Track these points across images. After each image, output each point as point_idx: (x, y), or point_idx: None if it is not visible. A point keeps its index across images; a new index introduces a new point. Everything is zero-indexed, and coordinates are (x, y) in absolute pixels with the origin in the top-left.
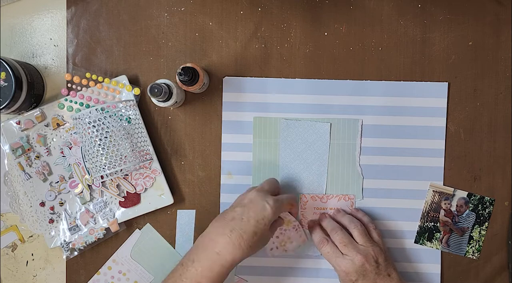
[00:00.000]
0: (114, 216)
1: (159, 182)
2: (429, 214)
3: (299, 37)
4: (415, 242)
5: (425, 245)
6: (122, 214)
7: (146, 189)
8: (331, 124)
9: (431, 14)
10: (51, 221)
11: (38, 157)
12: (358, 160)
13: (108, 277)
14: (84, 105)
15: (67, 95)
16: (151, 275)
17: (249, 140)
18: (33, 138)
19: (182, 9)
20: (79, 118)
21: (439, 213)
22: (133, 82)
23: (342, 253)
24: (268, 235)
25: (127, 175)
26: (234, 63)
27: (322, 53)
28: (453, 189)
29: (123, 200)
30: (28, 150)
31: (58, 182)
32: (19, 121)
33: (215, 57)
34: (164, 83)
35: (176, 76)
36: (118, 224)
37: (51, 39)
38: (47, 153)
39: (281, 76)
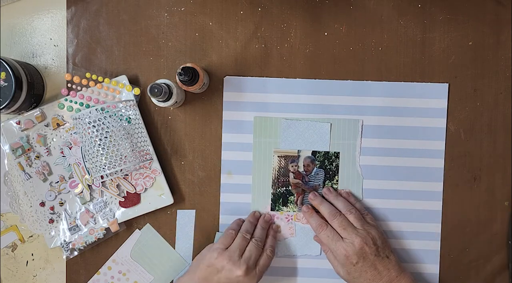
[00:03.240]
0: (114, 216)
1: (159, 182)
2: (279, 180)
3: (299, 37)
4: (271, 210)
5: (282, 210)
6: (122, 214)
7: (146, 189)
8: (331, 124)
9: (431, 14)
10: (51, 221)
11: (38, 157)
12: (358, 160)
13: (108, 277)
14: (84, 105)
15: (67, 95)
16: (151, 275)
17: (249, 140)
18: (33, 138)
19: (182, 9)
20: (79, 118)
21: (289, 177)
22: (133, 82)
23: (341, 237)
24: None
25: (127, 175)
26: (234, 63)
27: (322, 53)
28: (297, 150)
29: (123, 200)
30: (28, 150)
31: (58, 182)
32: (19, 121)
33: (215, 57)
34: (164, 83)
35: (176, 76)
36: (118, 224)
37: (51, 39)
38: (47, 153)
39: (281, 76)
